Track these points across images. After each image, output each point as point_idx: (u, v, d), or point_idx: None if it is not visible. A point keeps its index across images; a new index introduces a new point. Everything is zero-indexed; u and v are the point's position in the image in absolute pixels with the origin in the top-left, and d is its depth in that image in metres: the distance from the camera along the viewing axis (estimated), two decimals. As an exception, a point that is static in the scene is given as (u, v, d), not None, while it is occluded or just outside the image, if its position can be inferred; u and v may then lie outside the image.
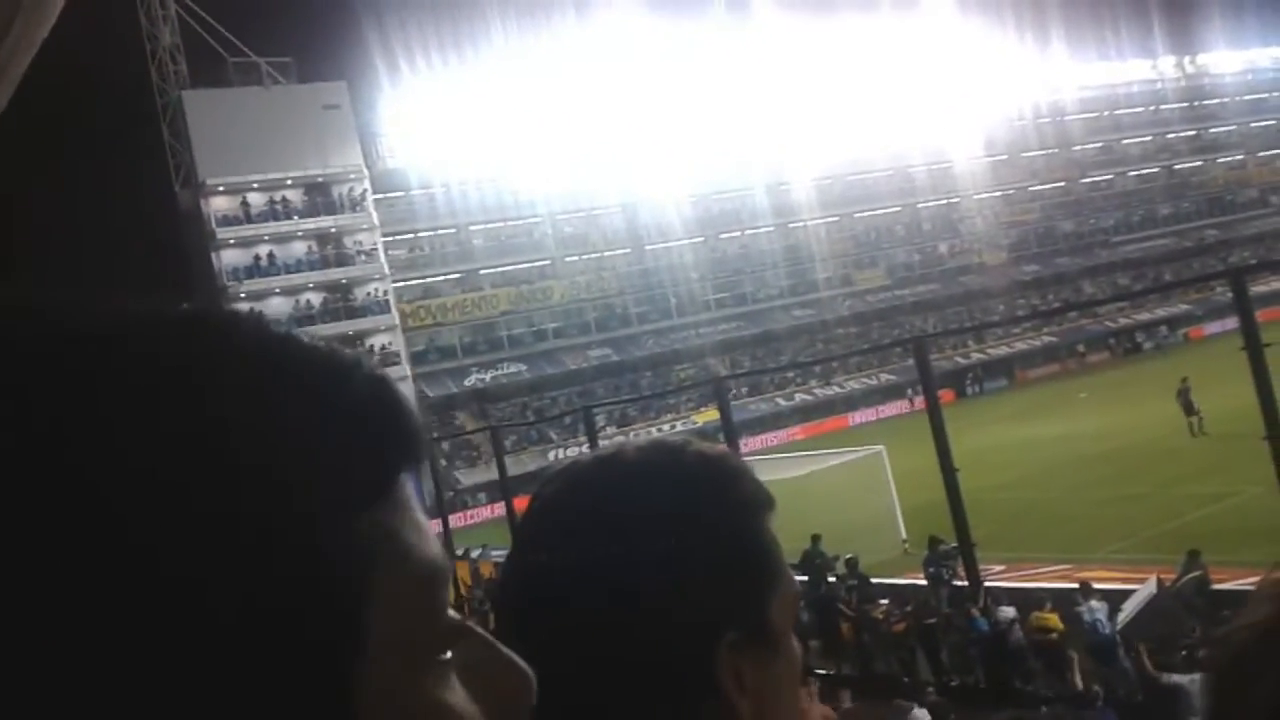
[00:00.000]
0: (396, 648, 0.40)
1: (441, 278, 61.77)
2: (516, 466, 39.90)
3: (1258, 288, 50.37)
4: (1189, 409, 28.11)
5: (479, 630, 0.44)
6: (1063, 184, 77.12)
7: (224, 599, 0.36)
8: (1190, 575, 12.65)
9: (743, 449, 16.69)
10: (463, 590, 21.09)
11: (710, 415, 46.00)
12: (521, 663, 0.46)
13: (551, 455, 47.87)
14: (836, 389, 59.06)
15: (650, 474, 0.86)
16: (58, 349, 0.37)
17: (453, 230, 62.34)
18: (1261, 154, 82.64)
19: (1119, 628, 13.16)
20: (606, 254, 65.28)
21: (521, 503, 1.18)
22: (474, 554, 24.49)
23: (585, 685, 0.78)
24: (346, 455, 0.41)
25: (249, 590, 0.36)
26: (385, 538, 0.41)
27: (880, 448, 25.49)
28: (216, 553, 0.36)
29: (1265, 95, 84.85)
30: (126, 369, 0.38)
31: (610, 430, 50.35)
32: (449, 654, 0.43)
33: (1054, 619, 13.48)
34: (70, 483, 0.35)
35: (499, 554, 22.52)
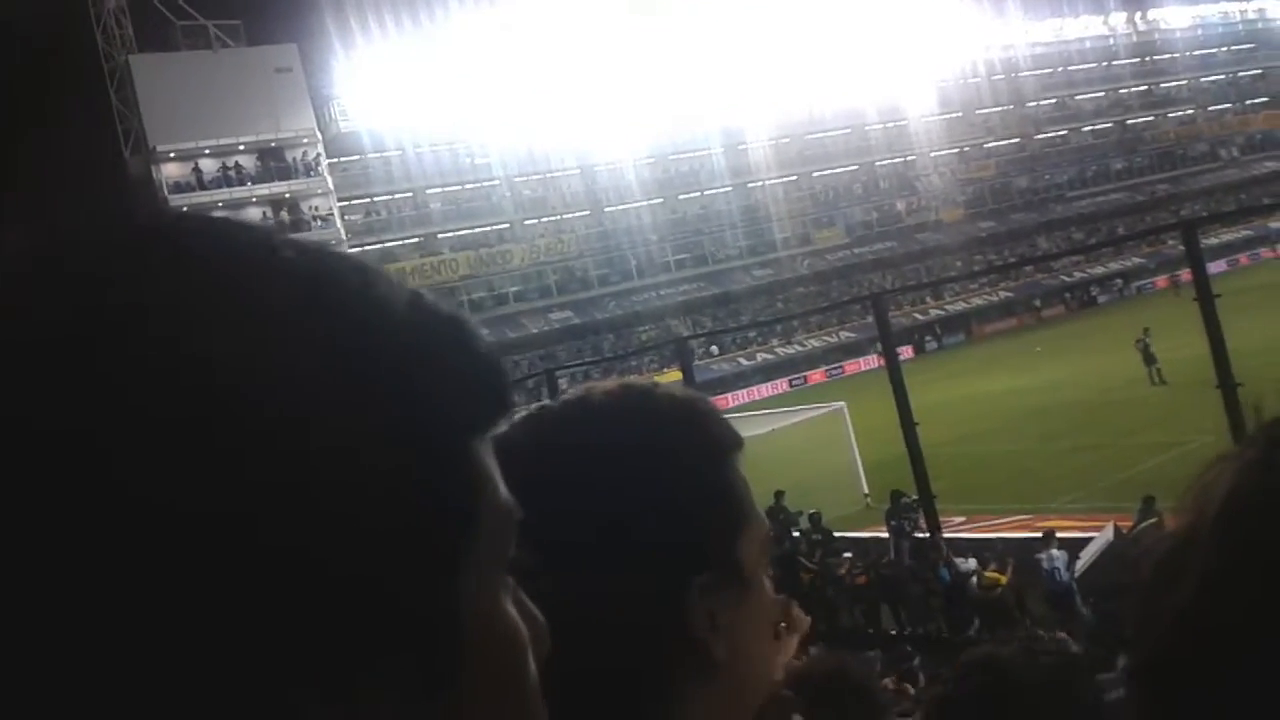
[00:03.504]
0: (489, 567, 0.43)
1: (399, 242, 61.19)
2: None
3: (1208, 240, 51.20)
4: (1148, 358, 28.49)
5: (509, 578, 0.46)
6: (1017, 140, 77.60)
7: (368, 517, 0.37)
8: (1147, 522, 12.88)
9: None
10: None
11: (673, 376, 46.12)
12: (539, 614, 0.48)
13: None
14: (797, 347, 59.38)
15: (619, 415, 0.84)
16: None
17: (409, 194, 61.74)
18: (1211, 109, 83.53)
19: (1077, 575, 13.43)
20: (566, 216, 64.98)
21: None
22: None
23: (557, 633, 0.73)
24: (470, 388, 0.43)
25: (391, 507, 0.38)
26: (487, 468, 0.44)
27: (841, 404, 25.68)
28: (357, 479, 0.38)
29: (1214, 50, 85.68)
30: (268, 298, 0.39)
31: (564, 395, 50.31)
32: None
33: (998, 575, 13.82)
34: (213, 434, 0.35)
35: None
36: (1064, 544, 13.79)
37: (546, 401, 0.90)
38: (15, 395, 0.35)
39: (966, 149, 75.53)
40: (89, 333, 0.36)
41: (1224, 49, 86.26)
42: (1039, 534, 14.20)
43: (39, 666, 0.33)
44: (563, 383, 19.31)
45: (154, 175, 53.34)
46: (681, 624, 0.79)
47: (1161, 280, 58.38)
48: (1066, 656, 1.87)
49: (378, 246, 59.99)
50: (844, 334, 58.74)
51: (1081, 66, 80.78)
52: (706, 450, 0.84)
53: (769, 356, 58.82)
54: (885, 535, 16.90)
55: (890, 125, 72.49)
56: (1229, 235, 62.58)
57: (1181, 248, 13.40)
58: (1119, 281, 65.26)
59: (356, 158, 60.49)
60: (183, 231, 0.40)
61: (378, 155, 60.70)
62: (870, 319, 32.79)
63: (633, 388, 0.88)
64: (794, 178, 70.34)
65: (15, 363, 0.35)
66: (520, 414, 0.86)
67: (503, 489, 0.45)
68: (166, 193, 52.93)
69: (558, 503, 0.77)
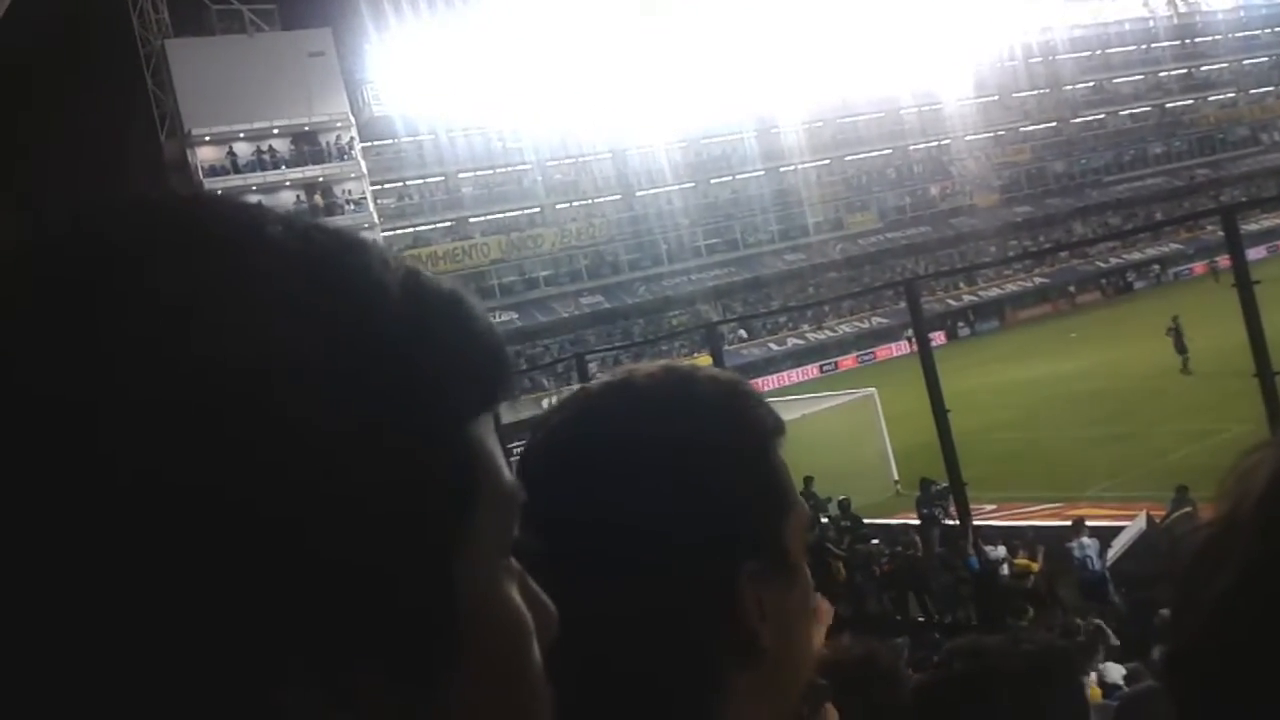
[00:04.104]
0: (490, 552, 0.43)
1: (431, 226, 61.43)
2: (509, 415, 39.95)
3: (1248, 226, 50.44)
4: (1180, 347, 28.24)
5: (515, 563, 0.45)
6: (1054, 124, 76.73)
7: (366, 500, 0.37)
8: (1180, 511, 12.78)
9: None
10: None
11: (703, 361, 46.07)
12: (549, 601, 0.47)
13: (545, 403, 47.90)
14: (828, 333, 59.14)
15: (663, 400, 0.82)
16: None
17: (441, 178, 61.92)
18: (1253, 91, 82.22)
19: (1109, 564, 13.34)
20: (597, 201, 64.95)
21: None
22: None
23: (602, 624, 0.73)
24: (469, 367, 0.42)
25: (387, 485, 0.38)
26: (488, 450, 0.43)
27: (872, 390, 25.58)
28: (357, 456, 0.37)
29: (1256, 32, 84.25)
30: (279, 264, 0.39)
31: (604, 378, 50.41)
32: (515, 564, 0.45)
33: (1030, 563, 13.76)
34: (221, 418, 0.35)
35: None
36: (1096, 533, 13.69)
37: (588, 384, 0.89)
38: (14, 374, 0.35)
39: (1002, 133, 74.75)
40: (92, 312, 0.35)
41: (1266, 31, 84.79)
42: (1069, 522, 14.13)
43: (24, 653, 0.33)
44: (592, 367, 19.35)
45: (189, 159, 53.78)
46: (730, 612, 0.77)
47: (1199, 266, 57.55)
48: (1050, 646, 1.90)
49: (410, 230, 60.29)
50: (876, 319, 58.43)
51: (1120, 49, 79.65)
52: (749, 437, 0.82)
53: (799, 342, 58.63)
54: (914, 522, 16.85)
55: (924, 109, 71.86)
56: (1269, 221, 61.61)
57: (1220, 233, 13.22)
58: (1156, 268, 64.45)
59: (389, 142, 60.73)
60: (193, 211, 0.40)
61: (410, 139, 60.90)
62: (902, 304, 32.61)
63: (674, 372, 0.86)
64: (827, 162, 69.92)
65: (16, 341, 0.35)
66: (561, 400, 0.88)
67: (505, 471, 0.44)
68: (201, 176, 53.37)
69: (602, 493, 0.77)
